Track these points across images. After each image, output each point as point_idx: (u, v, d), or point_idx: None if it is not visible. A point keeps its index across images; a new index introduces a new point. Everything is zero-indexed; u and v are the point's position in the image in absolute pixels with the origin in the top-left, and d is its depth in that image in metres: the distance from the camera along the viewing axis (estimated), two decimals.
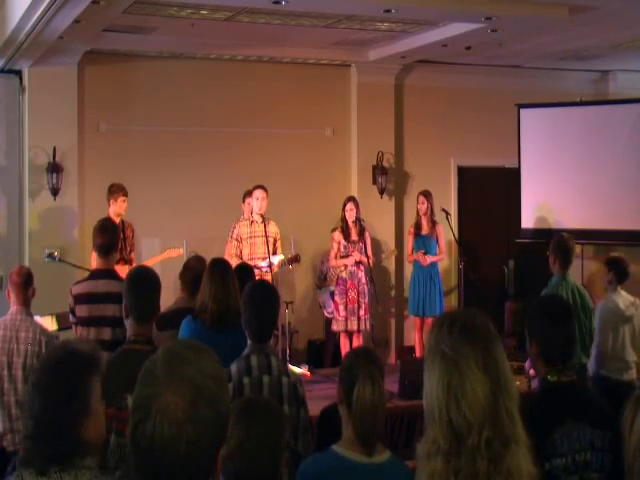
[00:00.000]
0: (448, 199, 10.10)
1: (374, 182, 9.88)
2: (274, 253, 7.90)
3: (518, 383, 3.72)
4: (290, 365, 7.89)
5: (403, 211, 10.11)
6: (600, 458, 3.00)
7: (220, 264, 4.90)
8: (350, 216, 8.42)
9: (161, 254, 8.16)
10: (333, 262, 8.58)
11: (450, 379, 2.00)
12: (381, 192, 9.89)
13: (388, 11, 7.25)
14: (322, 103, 9.87)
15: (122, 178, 8.03)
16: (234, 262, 6.74)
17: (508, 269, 10.51)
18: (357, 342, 8.31)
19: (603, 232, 9.36)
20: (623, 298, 6.32)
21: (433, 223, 8.90)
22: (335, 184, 9.77)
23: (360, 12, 7.59)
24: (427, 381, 2.05)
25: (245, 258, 7.77)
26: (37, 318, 5.52)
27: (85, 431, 2.16)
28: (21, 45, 7.53)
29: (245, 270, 5.73)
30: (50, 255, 8.09)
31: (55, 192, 8.46)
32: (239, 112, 9.47)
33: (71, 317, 5.16)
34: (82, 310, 5.04)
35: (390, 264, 9.93)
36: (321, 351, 9.43)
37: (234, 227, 8.01)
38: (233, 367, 3.75)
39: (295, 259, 8.10)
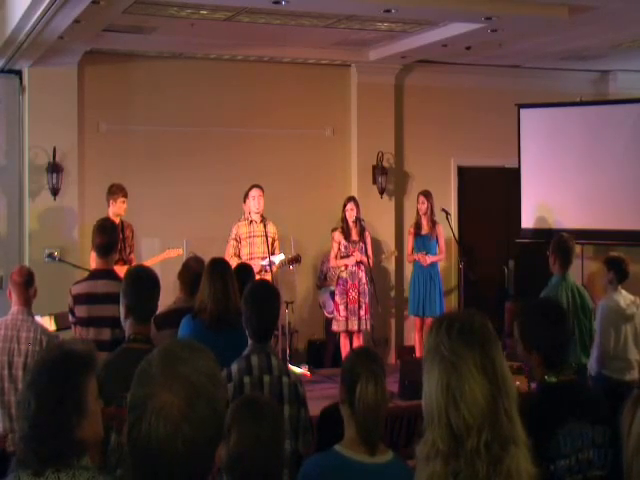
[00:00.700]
0: (448, 199, 10.10)
1: (374, 182, 9.88)
2: (272, 253, 7.90)
3: (518, 383, 3.71)
4: (290, 365, 7.89)
5: (403, 211, 10.11)
6: (602, 455, 3.01)
7: (219, 264, 4.91)
8: (350, 216, 8.42)
9: (160, 254, 8.15)
10: (333, 262, 8.58)
11: (449, 381, 1.99)
12: (381, 192, 9.89)
13: (388, 11, 7.25)
14: (322, 103, 9.87)
15: (122, 178, 8.03)
16: (233, 262, 6.74)
17: (508, 269, 10.51)
18: (357, 342, 8.31)
19: (603, 232, 9.35)
20: (624, 297, 6.31)
21: (433, 223, 8.91)
22: (335, 184, 9.77)
23: (360, 12, 7.59)
24: (426, 383, 2.05)
25: (244, 258, 7.77)
26: (37, 318, 5.51)
27: (81, 431, 2.14)
28: (21, 45, 7.54)
29: (245, 270, 5.73)
30: (50, 255, 8.09)
31: (55, 192, 8.46)
32: (239, 112, 9.47)
33: (70, 317, 5.16)
34: (81, 310, 5.05)
35: (390, 264, 9.93)
36: (321, 351, 9.43)
37: (234, 227, 8.02)
38: (234, 367, 3.76)
39: (295, 259, 8.11)
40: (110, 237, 5.27)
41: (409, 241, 9.04)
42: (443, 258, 9.07)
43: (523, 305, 3.47)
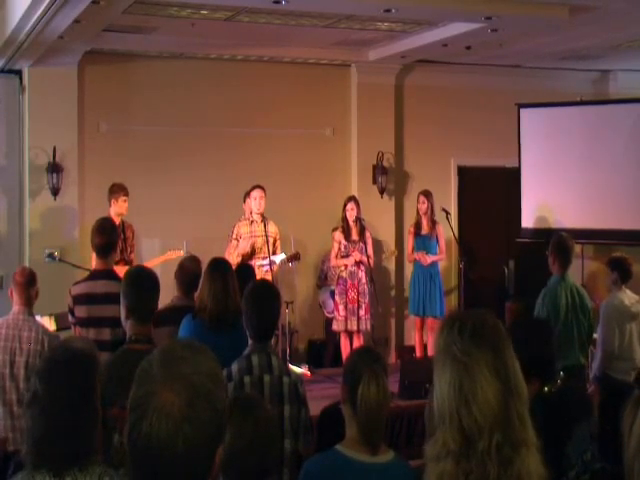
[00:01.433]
0: (448, 199, 10.10)
1: (374, 182, 9.88)
2: (274, 253, 7.91)
3: None
4: (290, 365, 7.89)
5: (403, 211, 10.11)
6: (598, 446, 3.04)
7: (220, 264, 4.91)
8: (351, 216, 8.42)
9: (161, 255, 8.14)
10: (333, 262, 8.58)
11: (461, 382, 1.98)
12: (381, 192, 9.89)
13: (388, 11, 7.25)
14: (322, 103, 9.87)
15: (122, 178, 8.03)
16: (233, 260, 6.75)
17: (508, 269, 10.50)
18: (357, 342, 8.30)
19: (603, 232, 9.35)
20: (628, 296, 6.31)
21: (433, 223, 8.90)
22: (335, 184, 9.77)
23: (360, 12, 7.59)
24: (437, 383, 2.03)
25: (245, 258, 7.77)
26: (37, 318, 5.52)
27: (95, 429, 2.19)
28: (21, 45, 7.54)
29: (245, 270, 5.73)
30: (50, 255, 8.10)
31: (55, 192, 8.46)
32: (239, 112, 9.47)
33: (70, 318, 5.16)
34: (81, 311, 5.04)
35: (390, 264, 9.93)
36: (321, 351, 9.43)
37: (234, 227, 8.03)
38: (234, 366, 3.76)
39: (295, 257, 8.12)
40: (109, 237, 5.26)
41: (409, 241, 9.04)
42: (443, 258, 9.07)
43: (512, 326, 3.61)
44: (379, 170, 9.84)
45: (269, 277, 7.58)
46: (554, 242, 6.06)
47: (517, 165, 9.75)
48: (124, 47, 8.79)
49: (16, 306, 5.20)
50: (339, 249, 8.49)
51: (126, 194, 7.71)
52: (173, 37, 8.57)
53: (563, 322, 5.85)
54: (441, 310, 8.74)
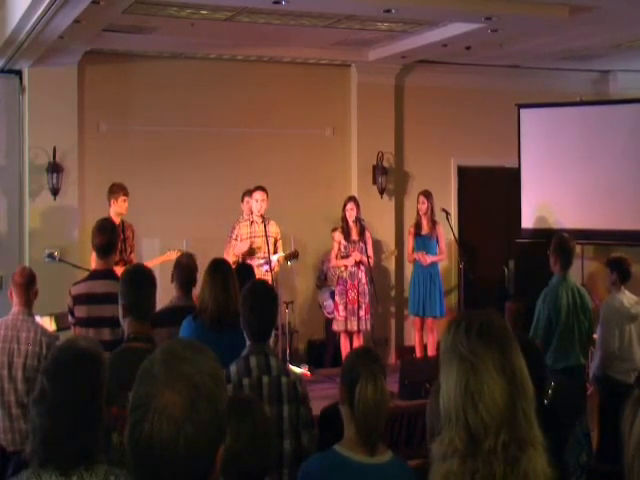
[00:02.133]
0: (448, 199, 10.10)
1: (374, 182, 9.88)
2: (275, 253, 7.90)
3: None
4: (290, 365, 7.89)
5: (403, 211, 10.11)
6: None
7: (221, 265, 4.90)
8: (350, 216, 8.41)
9: (161, 256, 8.13)
10: (333, 262, 8.58)
11: (468, 381, 1.99)
12: (381, 192, 9.89)
13: (388, 11, 7.25)
14: (322, 103, 9.87)
15: (122, 178, 8.02)
16: (230, 260, 6.74)
17: (508, 269, 10.50)
18: (357, 342, 8.30)
19: (603, 232, 9.35)
20: (627, 297, 6.31)
21: (433, 223, 8.90)
22: (335, 184, 9.77)
23: (360, 12, 7.58)
24: (444, 382, 2.04)
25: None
26: (37, 318, 5.52)
27: (100, 428, 2.22)
28: (21, 45, 7.53)
29: (245, 270, 5.72)
30: (50, 255, 8.09)
31: (55, 192, 8.46)
32: (239, 112, 9.47)
33: (70, 318, 5.16)
34: (81, 311, 5.04)
35: (390, 264, 9.93)
36: (321, 351, 9.43)
37: (234, 227, 8.02)
38: (232, 368, 3.74)
39: (293, 255, 8.11)
40: (109, 237, 5.26)
41: (409, 241, 9.03)
42: (444, 258, 9.07)
43: None
44: (379, 170, 9.84)
45: (269, 277, 7.57)
46: (556, 243, 6.06)
47: (517, 165, 9.75)
48: (124, 47, 8.79)
49: (16, 307, 5.19)
50: (339, 249, 8.49)
51: (126, 194, 7.71)
52: (173, 37, 8.56)
53: (564, 322, 5.86)
54: (441, 310, 8.75)
